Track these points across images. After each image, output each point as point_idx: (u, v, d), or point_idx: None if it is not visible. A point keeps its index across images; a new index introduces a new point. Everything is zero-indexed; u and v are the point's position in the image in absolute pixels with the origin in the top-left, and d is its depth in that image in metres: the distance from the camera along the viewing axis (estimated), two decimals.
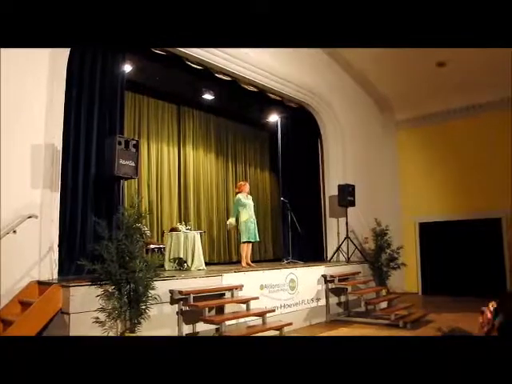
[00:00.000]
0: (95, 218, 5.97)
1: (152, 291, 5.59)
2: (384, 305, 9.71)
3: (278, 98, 10.78)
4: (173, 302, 6.29)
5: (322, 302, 9.18)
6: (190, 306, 6.31)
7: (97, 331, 5.34)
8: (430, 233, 13.11)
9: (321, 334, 7.78)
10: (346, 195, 10.85)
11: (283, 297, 8.24)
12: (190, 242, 8.27)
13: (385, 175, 13.29)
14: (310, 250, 10.95)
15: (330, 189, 11.51)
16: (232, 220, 9.03)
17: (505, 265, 11.80)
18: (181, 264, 8.22)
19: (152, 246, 8.84)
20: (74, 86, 6.82)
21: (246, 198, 9.08)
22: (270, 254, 12.80)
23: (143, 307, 5.46)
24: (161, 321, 6.12)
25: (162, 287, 6.09)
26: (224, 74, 9.33)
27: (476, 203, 12.09)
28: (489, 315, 2.54)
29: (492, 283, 11.18)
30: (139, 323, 5.49)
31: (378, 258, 10.75)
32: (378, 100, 13.40)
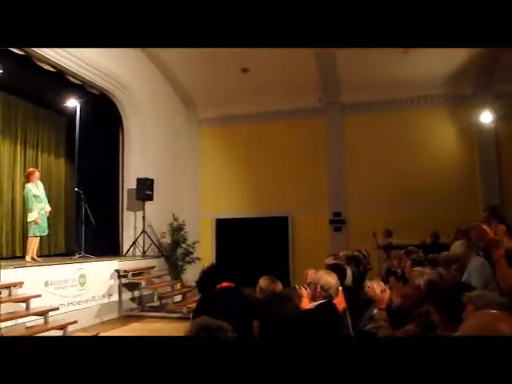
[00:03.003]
0: None
1: None
2: (178, 298, 9.87)
3: (78, 81, 10.10)
4: None
5: (115, 297, 8.94)
6: None
7: None
8: (226, 229, 13.72)
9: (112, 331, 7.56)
10: (145, 189, 10.74)
11: (71, 293, 7.78)
12: None
13: (186, 171, 13.48)
14: (104, 243, 10.53)
15: (130, 182, 11.21)
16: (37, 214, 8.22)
17: (289, 258, 13.00)
18: None
19: None
20: None
21: (36, 188, 8.34)
22: (62, 248, 11.89)
23: None
24: None
25: None
26: None
27: (268, 202, 13.05)
28: None
29: (278, 275, 12.15)
30: None
31: (173, 252, 10.91)
32: (184, 97, 13.53)
